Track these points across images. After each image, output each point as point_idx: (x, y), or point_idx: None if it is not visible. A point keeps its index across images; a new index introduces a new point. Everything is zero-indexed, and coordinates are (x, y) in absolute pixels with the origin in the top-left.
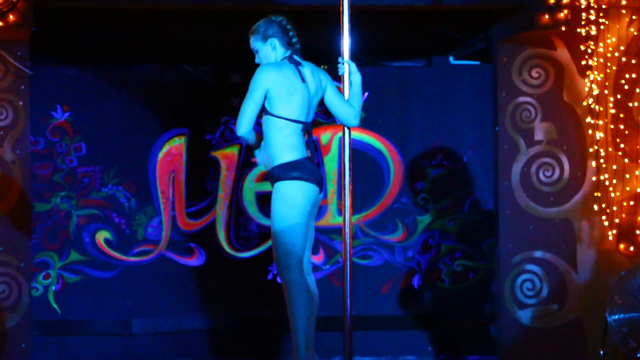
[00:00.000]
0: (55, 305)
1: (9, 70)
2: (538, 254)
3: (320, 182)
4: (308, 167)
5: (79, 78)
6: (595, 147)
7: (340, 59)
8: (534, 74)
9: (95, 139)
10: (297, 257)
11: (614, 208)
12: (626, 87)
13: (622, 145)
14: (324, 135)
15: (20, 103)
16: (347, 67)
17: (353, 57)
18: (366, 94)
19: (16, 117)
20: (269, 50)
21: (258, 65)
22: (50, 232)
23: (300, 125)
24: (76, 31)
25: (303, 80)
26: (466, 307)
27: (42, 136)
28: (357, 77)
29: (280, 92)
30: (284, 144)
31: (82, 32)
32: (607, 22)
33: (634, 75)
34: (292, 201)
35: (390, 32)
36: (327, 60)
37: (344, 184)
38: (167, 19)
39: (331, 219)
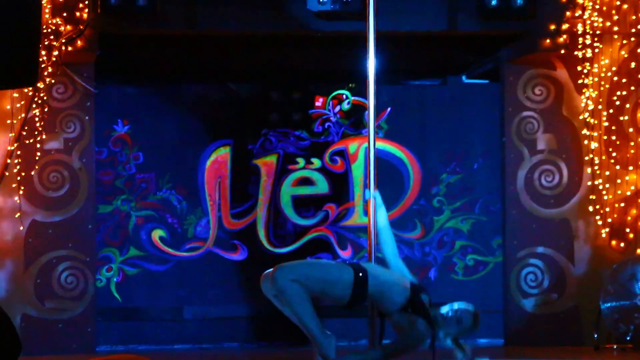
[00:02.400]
0: (116, 295)
1: (77, 89)
2: (540, 249)
3: None
4: None
5: (137, 96)
6: (591, 156)
7: (367, 191)
8: (537, 91)
9: (151, 149)
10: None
11: (607, 209)
12: (617, 103)
13: (614, 154)
14: (352, 146)
15: (87, 118)
16: (373, 201)
17: (378, 77)
18: (388, 109)
19: (83, 130)
20: None
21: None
22: (112, 231)
23: None
24: (136, 54)
25: None
26: (477, 296)
27: (105, 147)
28: (383, 213)
29: None
30: None
31: (141, 55)
32: (601, 46)
33: (624, 93)
34: None
35: (410, 55)
36: (354, 80)
37: (370, 188)
38: (215, 43)
39: (358, 219)
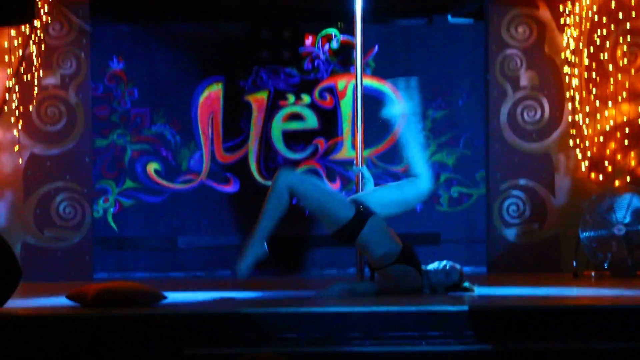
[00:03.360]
0: (113, 225)
1: (72, 27)
2: (522, 181)
3: None
4: None
5: (132, 34)
6: (572, 92)
7: (354, 167)
8: (520, 30)
9: (146, 85)
10: None
11: (587, 143)
12: (598, 41)
13: (594, 90)
14: (340, 82)
15: (82, 54)
16: (360, 175)
17: (365, 16)
18: (376, 47)
19: (79, 66)
20: None
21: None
22: (108, 164)
23: None
24: None
25: None
26: (461, 226)
27: (101, 82)
28: (371, 183)
29: None
30: None
31: None
32: None
33: (604, 32)
34: None
35: None
36: (343, 18)
37: (357, 123)
38: None
39: (346, 152)
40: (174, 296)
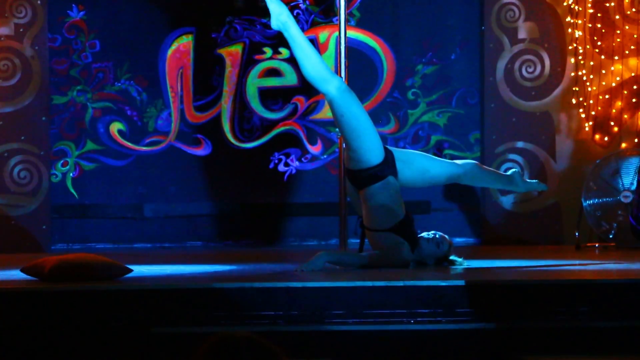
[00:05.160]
0: (73, 191)
1: None
2: (520, 144)
3: None
4: None
5: None
6: (574, 45)
7: (337, 129)
8: None
9: (108, 36)
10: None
11: (591, 101)
12: None
13: (599, 43)
14: (322, 34)
15: (39, 2)
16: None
17: None
18: None
19: (34, 15)
20: None
21: None
22: (67, 123)
23: None
24: None
25: None
26: (453, 194)
27: (59, 33)
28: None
29: None
30: None
31: None
32: None
33: None
34: None
35: None
36: None
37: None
38: None
39: (328, 112)
40: (139, 269)
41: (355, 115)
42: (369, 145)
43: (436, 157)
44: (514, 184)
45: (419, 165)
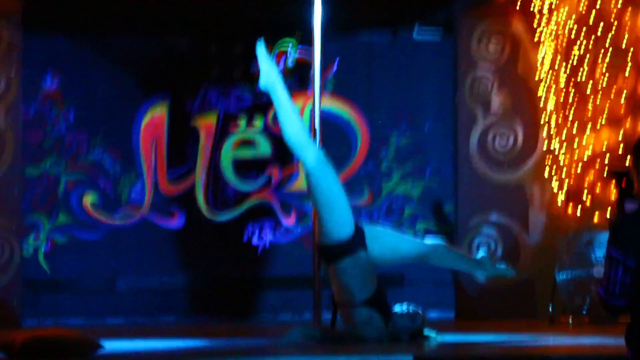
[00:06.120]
0: (44, 265)
1: (1, 41)
2: (493, 217)
3: None
4: None
5: (68, 49)
6: (547, 117)
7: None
8: (492, 47)
9: (82, 107)
10: None
11: (563, 174)
12: (575, 61)
13: (571, 115)
14: (296, 104)
15: (12, 72)
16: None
17: (324, 31)
18: (335, 66)
19: (8, 85)
20: None
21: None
22: (40, 196)
23: None
24: (65, 4)
25: None
26: (426, 267)
27: (32, 104)
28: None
29: None
30: None
31: (70, 4)
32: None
33: (582, 50)
34: None
35: (358, 7)
36: (300, 34)
37: None
38: None
39: (302, 184)
40: (111, 345)
41: (330, 186)
42: (339, 219)
43: (406, 236)
44: (482, 268)
45: (388, 244)
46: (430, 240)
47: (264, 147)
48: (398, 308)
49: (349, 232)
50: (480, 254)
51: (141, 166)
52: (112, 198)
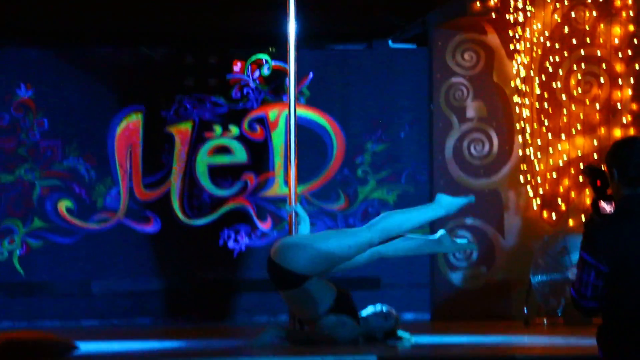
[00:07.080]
0: (19, 269)
1: None
2: (469, 221)
3: None
4: None
5: (41, 59)
6: (522, 124)
7: (287, 206)
8: (467, 57)
9: (57, 114)
10: None
11: (539, 179)
12: (550, 69)
13: (546, 122)
14: (272, 112)
15: None
16: (295, 215)
17: (299, 40)
18: (310, 75)
19: None
20: None
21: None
22: (14, 201)
23: None
24: (38, 14)
25: None
26: (403, 270)
27: (7, 112)
28: (307, 223)
29: None
30: None
31: (44, 15)
32: (533, 10)
33: (557, 59)
34: None
35: (334, 17)
36: (275, 43)
37: (290, 157)
38: (125, 1)
39: (278, 189)
40: (86, 347)
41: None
42: (317, 259)
43: (341, 231)
44: (442, 246)
45: (316, 251)
46: (373, 220)
47: (240, 154)
48: (371, 308)
49: (308, 272)
50: (439, 232)
51: (116, 172)
52: (87, 203)
